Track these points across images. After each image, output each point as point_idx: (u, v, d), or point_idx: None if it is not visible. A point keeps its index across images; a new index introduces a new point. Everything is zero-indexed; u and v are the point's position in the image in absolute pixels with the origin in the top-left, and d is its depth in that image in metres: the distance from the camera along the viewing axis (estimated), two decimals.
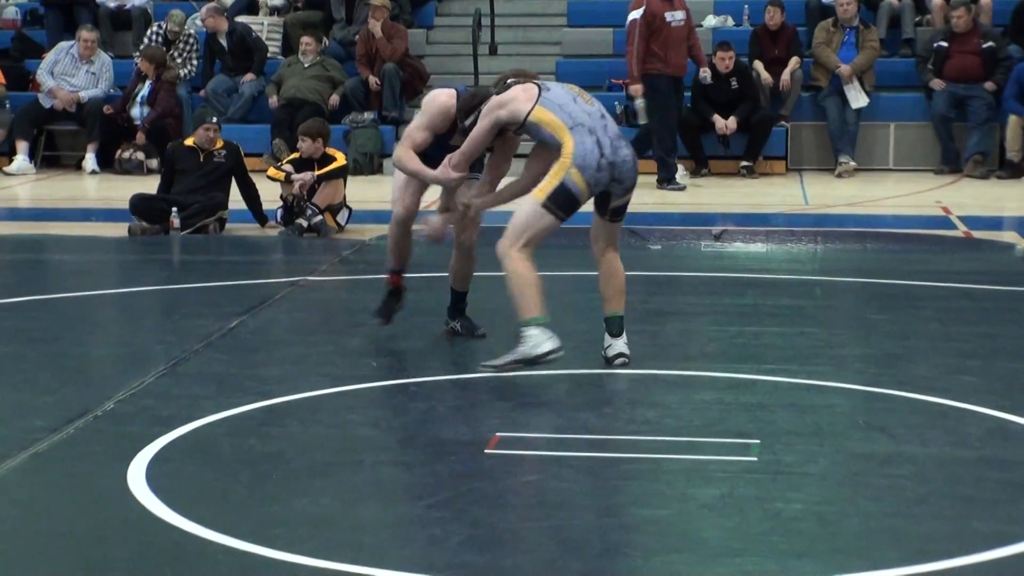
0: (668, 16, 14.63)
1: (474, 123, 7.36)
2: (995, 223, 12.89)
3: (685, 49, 14.81)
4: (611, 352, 7.36)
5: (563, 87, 7.36)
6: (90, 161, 16.47)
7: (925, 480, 5.58)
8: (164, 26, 17.34)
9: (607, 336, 7.39)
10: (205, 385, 7.03)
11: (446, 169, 7.54)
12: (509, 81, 7.37)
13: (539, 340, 6.98)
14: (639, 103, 14.92)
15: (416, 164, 7.66)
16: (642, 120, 14.93)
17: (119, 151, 16.37)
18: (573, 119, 7.11)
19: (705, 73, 15.35)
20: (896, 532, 5.02)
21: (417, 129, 7.71)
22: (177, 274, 10.99)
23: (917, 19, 17.27)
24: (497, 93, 7.33)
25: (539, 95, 7.19)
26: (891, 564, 4.67)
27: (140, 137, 16.35)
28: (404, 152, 7.72)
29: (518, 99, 7.22)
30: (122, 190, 13.68)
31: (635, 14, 14.61)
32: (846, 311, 9.19)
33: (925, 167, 16.22)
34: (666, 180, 14.84)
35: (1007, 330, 8.47)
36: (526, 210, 7.13)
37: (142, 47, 17.17)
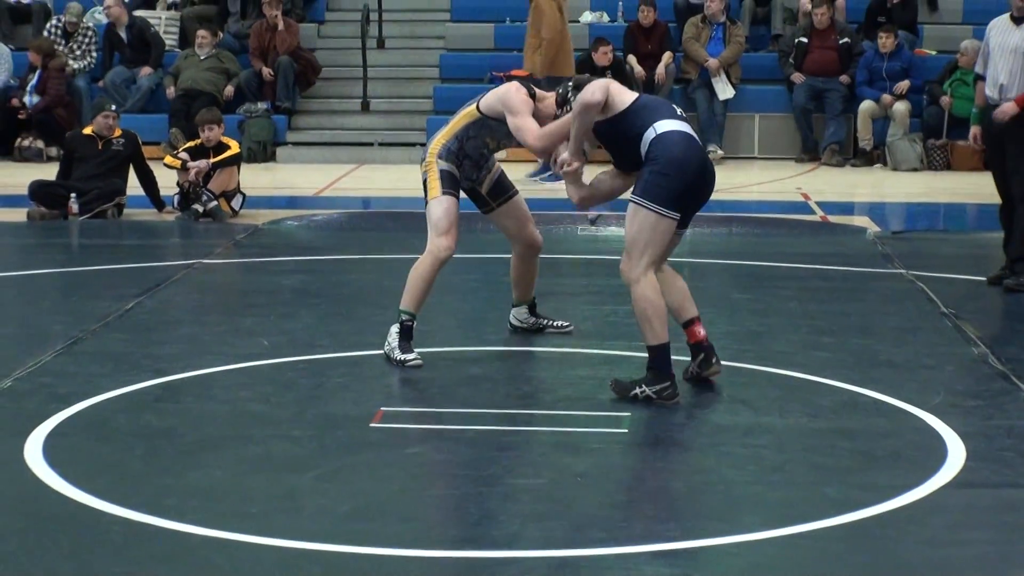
0: None
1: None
2: (848, 208, 13.12)
3: None
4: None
5: None
6: None
7: (782, 449, 5.65)
8: (63, 19, 17.06)
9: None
10: (102, 363, 6.93)
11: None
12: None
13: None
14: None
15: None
16: None
17: (18, 139, 16.08)
18: None
19: None
20: (755, 498, 5.08)
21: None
22: (76, 257, 10.83)
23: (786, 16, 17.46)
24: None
25: None
26: (751, 528, 4.72)
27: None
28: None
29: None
30: (21, 177, 13.43)
31: None
32: (712, 291, 9.25)
33: (787, 156, 16.42)
34: None
35: (857, 308, 8.60)
36: None
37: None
